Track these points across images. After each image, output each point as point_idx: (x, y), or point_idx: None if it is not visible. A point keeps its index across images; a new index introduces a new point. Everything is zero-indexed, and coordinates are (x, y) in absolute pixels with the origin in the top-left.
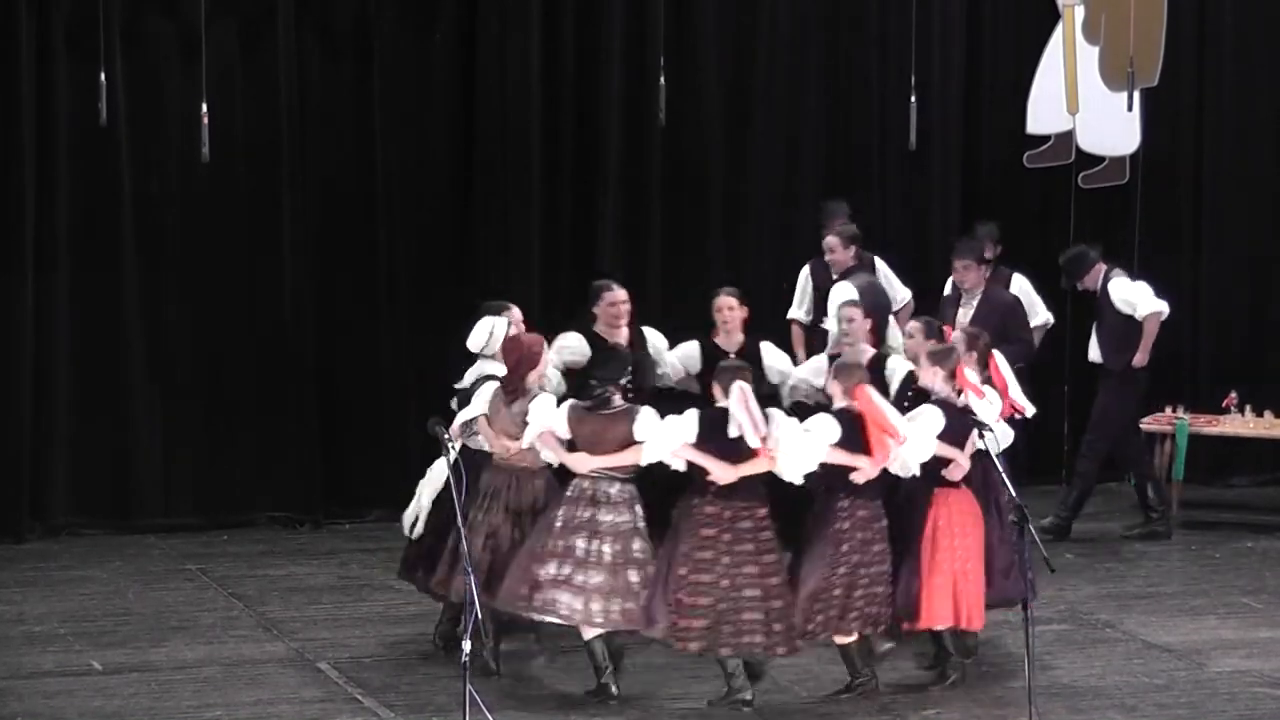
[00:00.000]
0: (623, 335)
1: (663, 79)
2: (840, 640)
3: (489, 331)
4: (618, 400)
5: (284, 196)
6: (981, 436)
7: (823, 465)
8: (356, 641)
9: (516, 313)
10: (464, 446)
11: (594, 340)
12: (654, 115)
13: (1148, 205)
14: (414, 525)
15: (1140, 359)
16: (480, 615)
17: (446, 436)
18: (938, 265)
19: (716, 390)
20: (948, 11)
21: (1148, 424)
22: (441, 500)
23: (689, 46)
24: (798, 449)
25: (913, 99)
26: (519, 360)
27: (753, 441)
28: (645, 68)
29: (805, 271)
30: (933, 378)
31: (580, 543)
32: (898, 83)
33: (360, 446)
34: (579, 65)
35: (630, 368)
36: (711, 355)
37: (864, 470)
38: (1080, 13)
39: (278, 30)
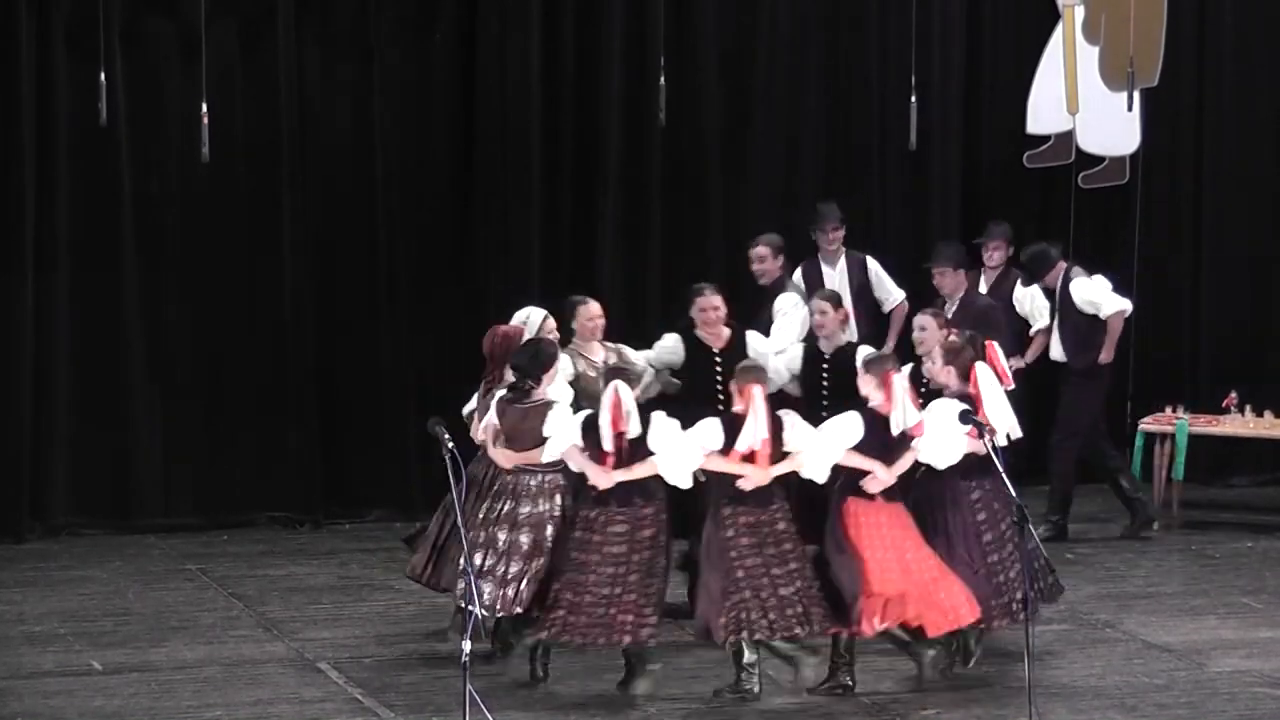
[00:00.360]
0: (721, 338)
1: (663, 79)
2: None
3: (524, 320)
4: (537, 394)
5: (284, 196)
6: (981, 436)
7: (705, 472)
8: (356, 641)
9: (594, 307)
10: None
11: (692, 343)
12: (654, 115)
13: (1148, 205)
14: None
15: (1106, 356)
16: (480, 616)
17: (446, 437)
18: None
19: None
20: (948, 11)
21: (1147, 424)
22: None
23: (689, 46)
24: (675, 453)
25: (913, 99)
26: (493, 351)
27: (605, 443)
28: (645, 68)
29: (798, 273)
30: (865, 385)
31: (502, 535)
32: (898, 83)
33: (360, 446)
34: (579, 65)
35: (538, 360)
36: (812, 358)
37: (749, 478)
38: (1080, 13)
39: (278, 30)
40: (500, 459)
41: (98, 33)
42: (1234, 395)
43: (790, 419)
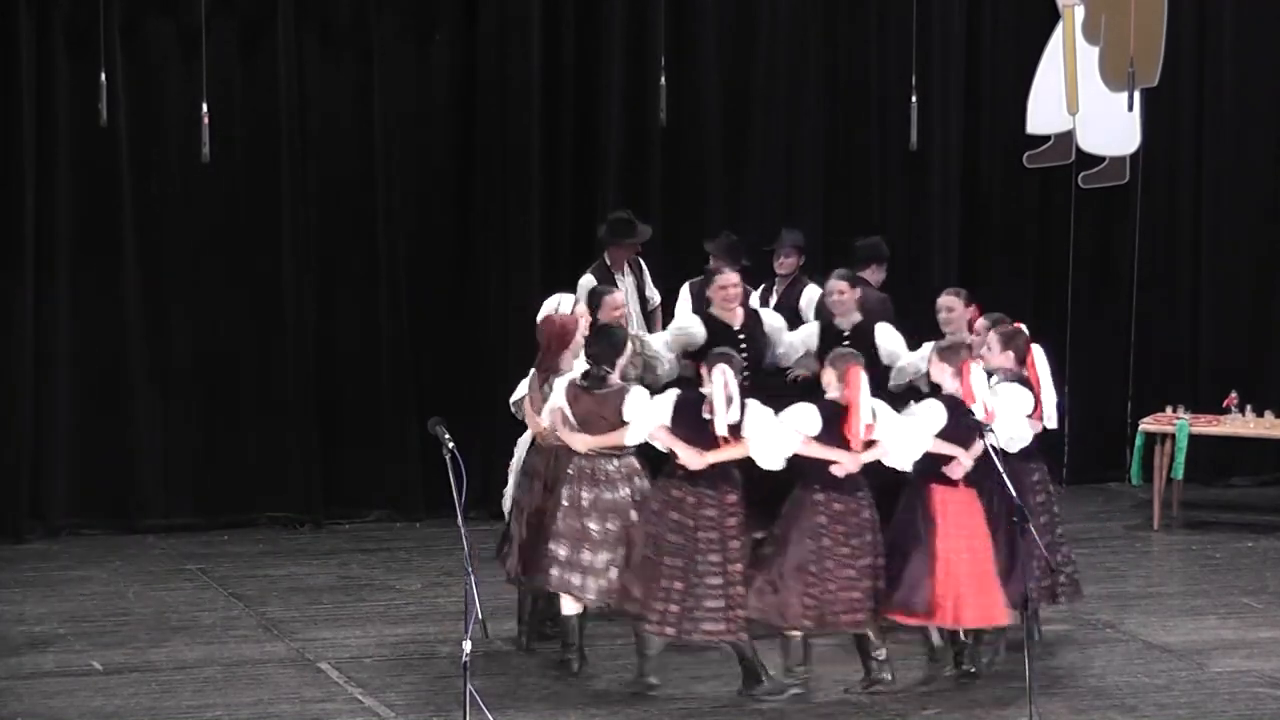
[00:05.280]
0: (737, 317)
1: (663, 79)
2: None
3: (555, 307)
4: (613, 379)
5: (284, 196)
6: (982, 437)
7: (799, 457)
8: (356, 641)
9: (618, 297)
10: None
11: (710, 323)
12: (654, 115)
13: (1147, 205)
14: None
15: None
16: (481, 613)
17: (446, 436)
18: (937, 265)
19: (703, 372)
20: (948, 12)
21: (1147, 424)
22: (519, 483)
23: (689, 46)
24: (771, 437)
25: (913, 99)
26: (549, 339)
27: (719, 428)
28: (645, 68)
29: (759, 293)
30: (940, 374)
31: (592, 525)
32: (898, 83)
33: (360, 446)
34: (579, 65)
35: (613, 346)
36: (828, 335)
37: (843, 464)
38: (1080, 13)
39: (278, 30)
40: (576, 444)
41: (98, 33)
42: (1234, 395)
43: (878, 407)
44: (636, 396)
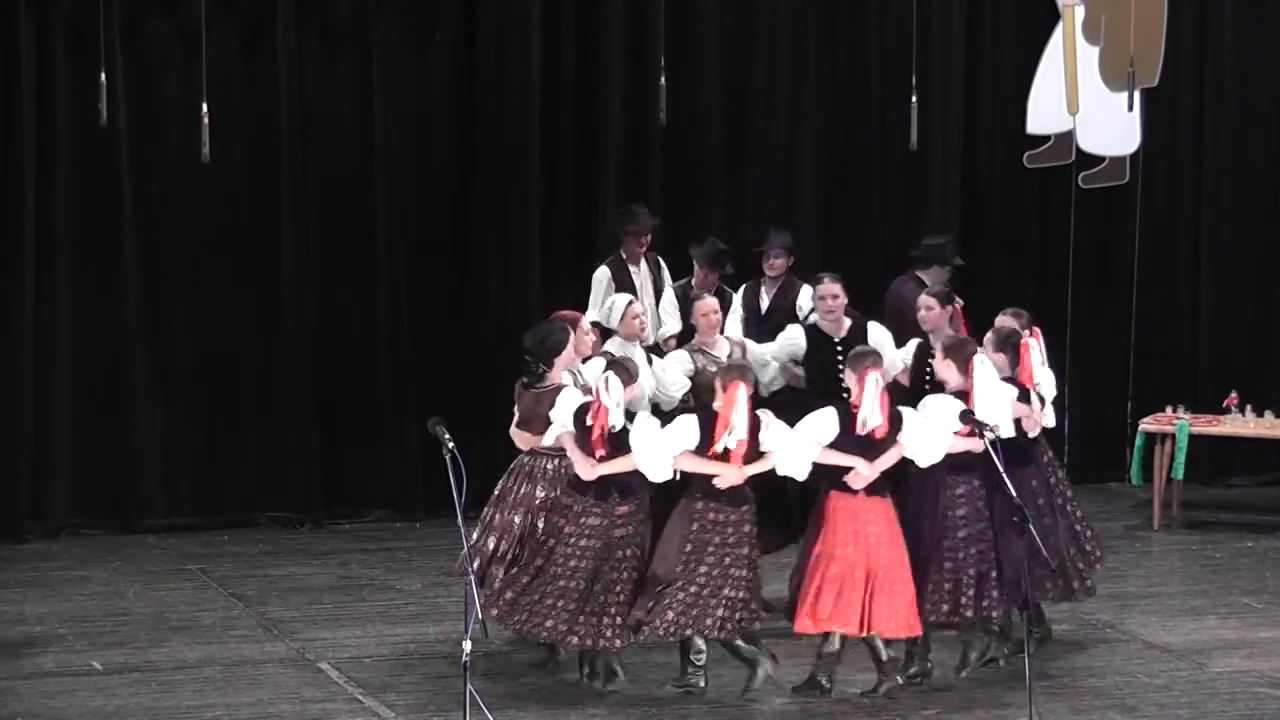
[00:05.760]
0: (841, 328)
1: (663, 79)
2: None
3: (609, 305)
4: (550, 378)
5: (284, 196)
6: (981, 436)
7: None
8: (356, 641)
9: (709, 302)
10: None
11: (812, 333)
12: (654, 115)
13: (1147, 205)
14: None
15: None
16: (480, 613)
17: (446, 436)
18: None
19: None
20: (948, 12)
21: (1148, 424)
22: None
23: (689, 46)
24: (654, 449)
25: (913, 99)
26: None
27: (602, 438)
28: (645, 68)
29: (743, 291)
30: (849, 379)
31: (517, 518)
32: (898, 82)
33: (360, 446)
34: (579, 65)
35: (545, 345)
36: (922, 351)
37: (724, 476)
38: (1080, 13)
39: (278, 30)
40: (517, 440)
41: (98, 33)
42: (1234, 395)
43: (767, 418)
44: (563, 398)
